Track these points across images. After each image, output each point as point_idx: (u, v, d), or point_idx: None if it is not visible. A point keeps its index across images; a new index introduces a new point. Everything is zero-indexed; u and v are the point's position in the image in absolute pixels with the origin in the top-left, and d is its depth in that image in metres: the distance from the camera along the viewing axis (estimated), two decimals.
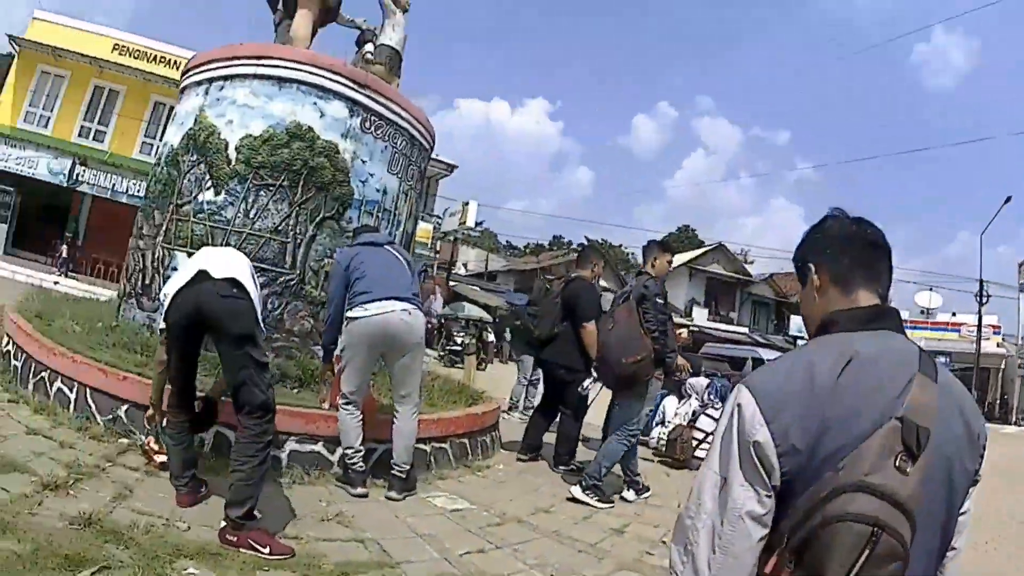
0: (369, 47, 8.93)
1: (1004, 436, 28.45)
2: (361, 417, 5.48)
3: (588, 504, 6.06)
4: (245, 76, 7.55)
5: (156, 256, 7.58)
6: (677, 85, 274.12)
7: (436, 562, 4.33)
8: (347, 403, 5.42)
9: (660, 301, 6.34)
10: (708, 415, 8.87)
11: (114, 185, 27.46)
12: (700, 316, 44.04)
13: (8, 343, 6.99)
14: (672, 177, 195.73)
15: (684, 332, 36.66)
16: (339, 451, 5.68)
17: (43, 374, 6.13)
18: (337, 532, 4.55)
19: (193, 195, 7.39)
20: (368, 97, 7.68)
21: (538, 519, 5.47)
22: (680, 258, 49.21)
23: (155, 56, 28.20)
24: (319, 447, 5.78)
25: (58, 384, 5.97)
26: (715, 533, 1.49)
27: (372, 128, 7.72)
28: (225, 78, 7.68)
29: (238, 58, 7.67)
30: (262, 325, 4.42)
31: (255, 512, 4.05)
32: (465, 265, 53.87)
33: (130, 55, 28.85)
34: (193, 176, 7.46)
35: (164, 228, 7.53)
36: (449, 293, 35.86)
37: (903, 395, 1.45)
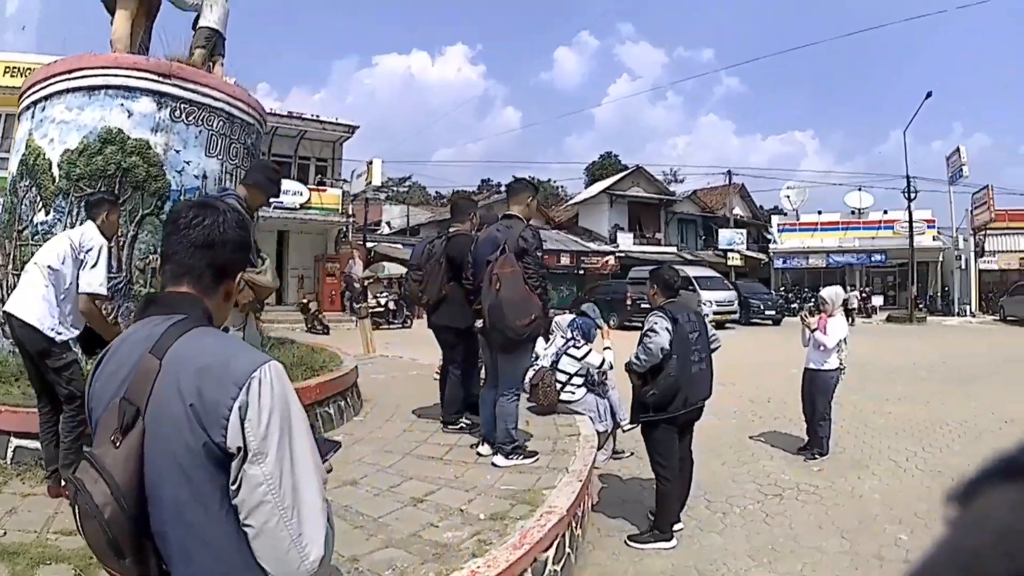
0: None
1: (947, 328, 29.63)
2: None
3: (517, 464, 6.17)
4: (61, 92, 7.85)
5: (8, 284, 7.81)
6: (596, 13, 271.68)
7: None
8: None
9: (540, 254, 6.30)
10: (569, 355, 8.30)
11: None
12: (625, 241, 44.05)
13: None
14: (599, 105, 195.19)
15: (611, 259, 36.89)
16: None
17: None
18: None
19: (29, 219, 7.75)
20: (175, 86, 7.90)
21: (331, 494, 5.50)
22: (599, 185, 49.82)
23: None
24: None
25: None
26: None
27: (183, 116, 7.95)
28: (46, 98, 8.05)
29: (54, 75, 8.05)
30: (57, 335, 5.24)
31: None
32: (388, 223, 53.54)
33: None
34: (28, 200, 7.87)
35: (12, 255, 7.85)
36: (366, 255, 35.60)
37: (129, 377, 1.67)
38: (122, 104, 7.66)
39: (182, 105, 7.92)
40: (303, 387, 7.34)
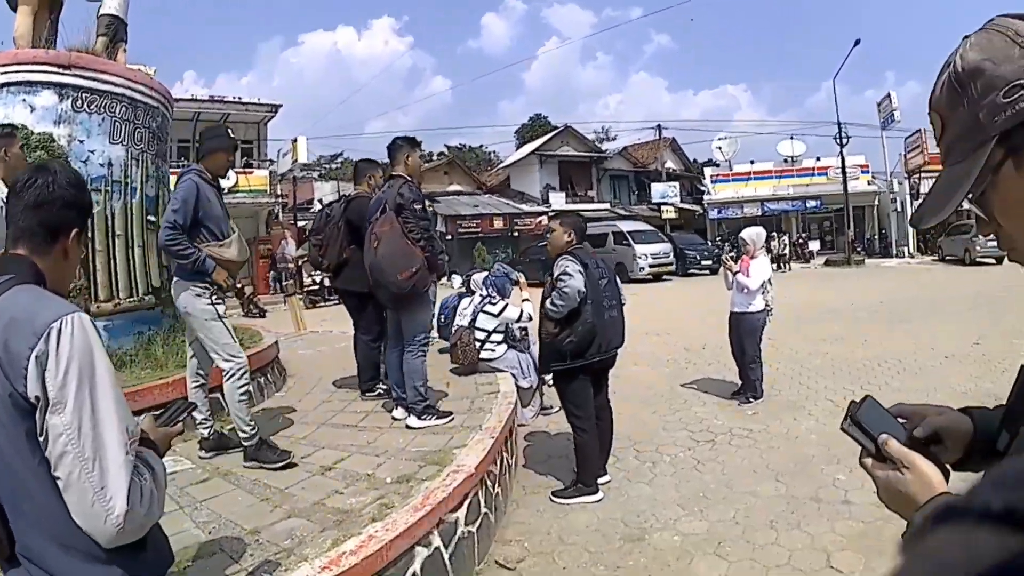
0: None
1: (885, 269, 30.11)
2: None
3: (431, 425, 5.99)
4: None
5: None
6: None
7: None
8: None
9: (418, 207, 6.13)
10: (486, 312, 8.09)
11: None
12: (558, 200, 43.83)
13: None
14: (528, 69, 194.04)
15: (544, 219, 36.99)
16: None
17: None
18: None
19: None
20: (76, 76, 7.74)
21: (242, 470, 5.17)
22: (528, 147, 49.56)
23: None
24: None
25: None
26: None
27: (85, 105, 7.78)
28: None
29: None
30: None
31: None
32: (320, 201, 52.99)
33: None
34: None
35: None
36: (299, 234, 35.24)
37: None
38: (24, 99, 7.50)
39: (83, 94, 7.73)
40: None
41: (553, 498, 5.76)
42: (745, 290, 8.33)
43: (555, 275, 5.77)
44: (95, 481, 1.64)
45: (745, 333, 8.41)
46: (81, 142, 7.63)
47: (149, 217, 8.11)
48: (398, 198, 5.99)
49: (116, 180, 7.86)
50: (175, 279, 5.38)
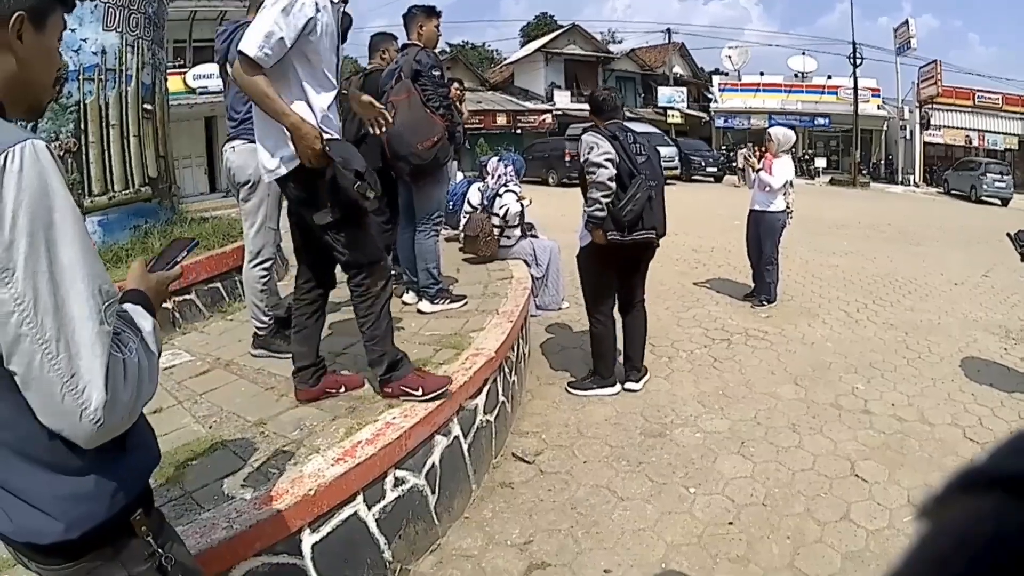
0: None
1: (891, 195, 30.08)
2: None
3: (444, 310, 5.76)
4: None
5: None
6: None
7: None
8: None
9: (436, 73, 5.74)
10: (500, 196, 7.65)
11: None
12: (562, 99, 43.13)
13: None
14: None
15: (548, 118, 36.33)
16: None
17: None
18: None
19: None
20: None
21: (246, 359, 4.84)
22: (534, 44, 48.37)
23: None
24: None
25: None
26: None
27: None
28: None
29: None
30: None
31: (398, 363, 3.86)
32: None
33: None
34: None
35: None
36: None
37: None
38: None
39: None
40: (219, 254, 6.91)
41: (569, 389, 5.58)
42: (767, 188, 8.05)
43: (583, 164, 5.27)
44: (62, 369, 1.25)
45: (764, 232, 8.16)
46: (72, 31, 7.06)
47: (145, 106, 7.80)
48: (414, 64, 5.61)
49: (110, 68, 7.43)
50: (245, 143, 4.64)
